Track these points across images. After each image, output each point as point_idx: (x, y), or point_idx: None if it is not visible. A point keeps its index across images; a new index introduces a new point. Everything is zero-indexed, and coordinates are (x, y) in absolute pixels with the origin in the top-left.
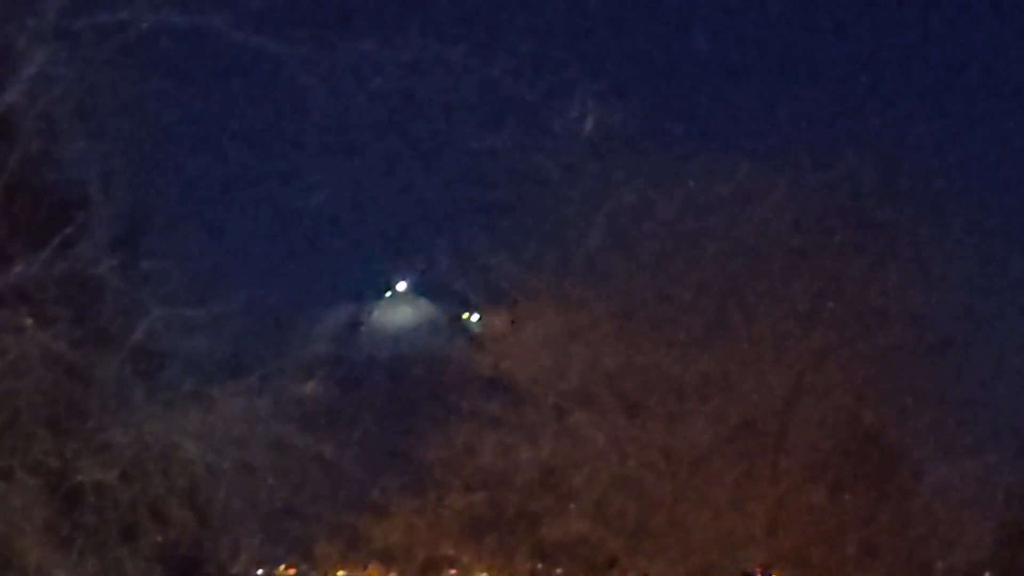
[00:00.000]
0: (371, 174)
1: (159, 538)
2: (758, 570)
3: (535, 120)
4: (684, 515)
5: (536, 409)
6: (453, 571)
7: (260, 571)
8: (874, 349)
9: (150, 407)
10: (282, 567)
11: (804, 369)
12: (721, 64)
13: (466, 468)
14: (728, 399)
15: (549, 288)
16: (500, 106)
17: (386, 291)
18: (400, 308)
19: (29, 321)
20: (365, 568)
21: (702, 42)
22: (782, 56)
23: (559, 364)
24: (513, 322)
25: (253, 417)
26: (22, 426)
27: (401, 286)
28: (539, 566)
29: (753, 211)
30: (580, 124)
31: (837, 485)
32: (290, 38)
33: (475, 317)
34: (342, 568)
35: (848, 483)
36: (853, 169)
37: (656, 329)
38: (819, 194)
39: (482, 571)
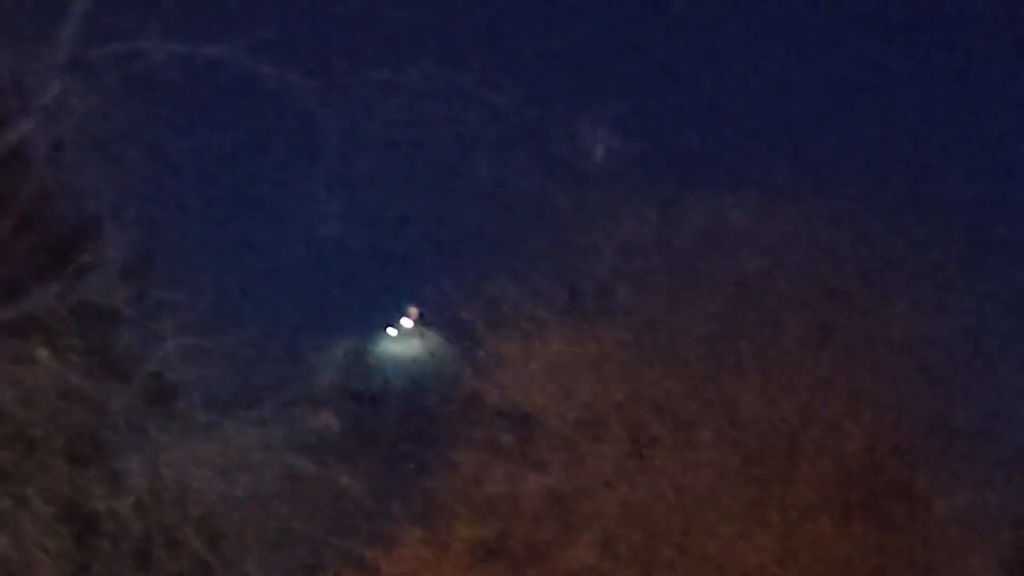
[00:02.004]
0: (381, 204)
1: (173, 566)
2: None
3: (545, 149)
4: (693, 545)
5: (545, 439)
6: None
7: None
8: (882, 378)
9: (164, 437)
10: None
11: (812, 399)
12: (732, 95)
13: (474, 498)
14: (737, 429)
15: (557, 318)
16: (510, 135)
17: (394, 321)
18: (408, 338)
19: (43, 351)
20: None
21: (713, 73)
22: (793, 88)
23: (568, 394)
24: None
25: (267, 447)
26: (37, 455)
27: (409, 316)
28: None
29: (762, 241)
30: (591, 153)
31: (846, 515)
32: (302, 68)
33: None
34: None
35: (857, 513)
36: (862, 199)
37: (665, 359)
38: (828, 224)
39: None
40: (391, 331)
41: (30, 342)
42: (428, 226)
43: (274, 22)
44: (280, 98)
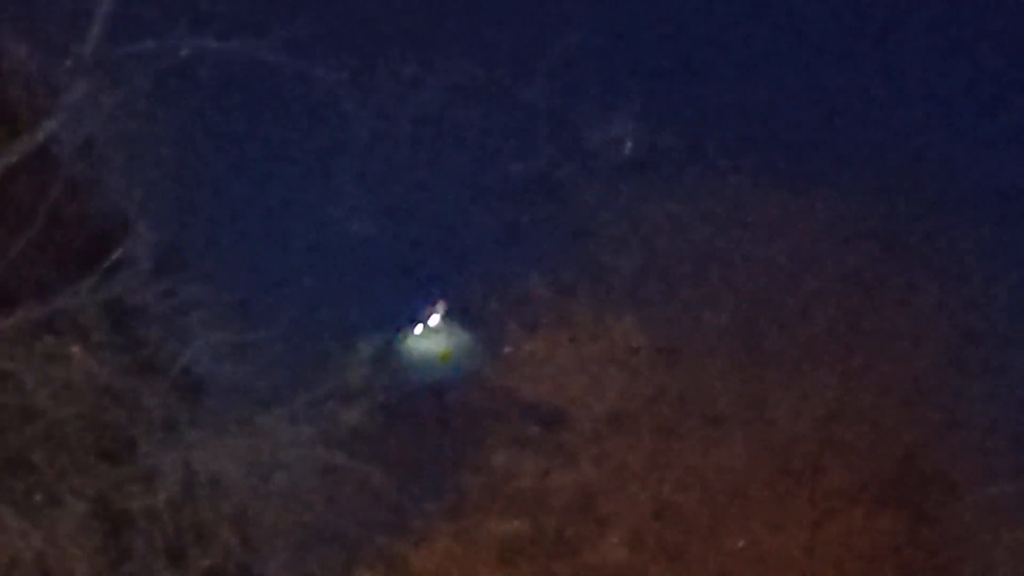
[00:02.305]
0: (410, 199)
1: (206, 563)
2: None
3: (574, 143)
4: (723, 539)
5: (574, 434)
6: None
7: None
8: (911, 370)
9: (196, 433)
10: None
11: (841, 391)
12: (761, 87)
13: (504, 493)
14: (764, 422)
15: (585, 312)
16: (540, 129)
17: (423, 316)
18: (436, 333)
19: (76, 349)
20: None
21: (742, 65)
22: (822, 81)
23: (596, 388)
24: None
25: (299, 442)
26: (70, 453)
27: (436, 311)
28: None
29: (788, 233)
30: (620, 146)
31: (875, 507)
32: (331, 63)
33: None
34: None
35: (886, 505)
36: (890, 190)
37: (692, 352)
38: (855, 215)
39: None
40: (420, 326)
41: (62, 340)
42: (457, 221)
43: (303, 18)
44: (309, 94)
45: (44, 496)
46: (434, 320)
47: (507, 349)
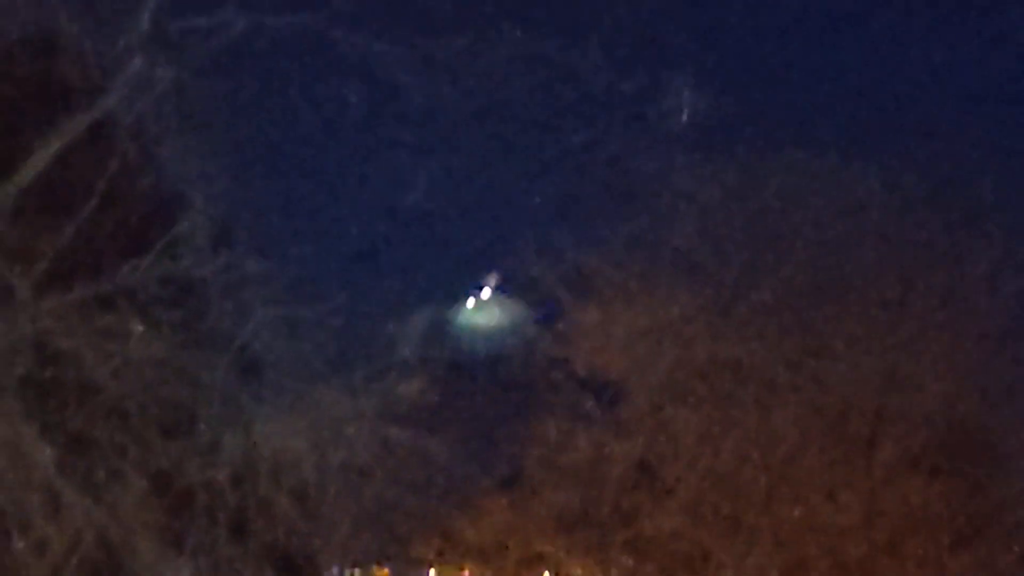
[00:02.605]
0: (465, 171)
1: (268, 537)
2: None
3: (630, 113)
4: (778, 508)
5: (629, 404)
6: (547, 572)
7: (357, 571)
8: (966, 336)
9: (257, 408)
10: (375, 567)
11: (896, 359)
12: (816, 58)
13: (560, 464)
14: (821, 391)
15: (639, 283)
16: (595, 100)
17: (478, 289)
18: (491, 306)
19: (135, 325)
20: (460, 567)
21: (796, 33)
22: (873, 49)
23: (651, 359)
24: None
25: (359, 416)
26: (132, 429)
27: (491, 284)
28: (631, 562)
29: (842, 201)
30: (676, 116)
31: (931, 475)
32: (385, 36)
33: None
34: (436, 567)
35: (942, 472)
36: (943, 156)
37: (747, 321)
38: (907, 182)
39: (576, 568)
40: (473, 299)
41: (122, 317)
42: (511, 193)
43: None
44: (363, 67)
45: (106, 472)
46: (488, 292)
47: (561, 321)
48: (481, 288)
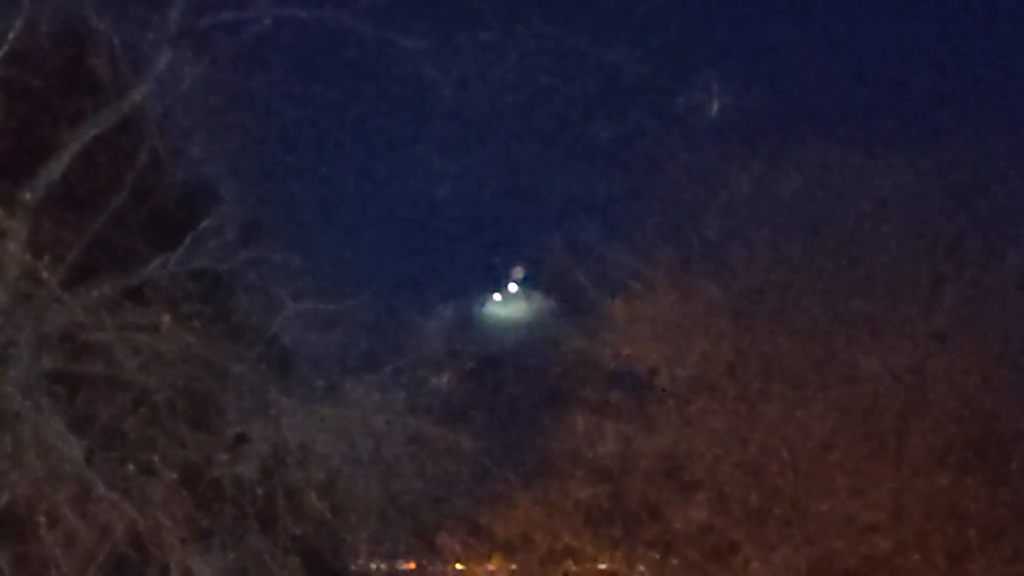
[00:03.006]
0: (493, 165)
1: (296, 530)
2: None
3: (658, 106)
4: (806, 502)
5: (656, 399)
6: (574, 566)
7: (383, 565)
8: (995, 331)
9: (286, 401)
10: (402, 560)
11: (925, 354)
12: (841, 49)
13: (587, 458)
14: (849, 385)
15: (666, 277)
16: (623, 93)
17: (505, 283)
18: (519, 299)
19: (165, 318)
20: (486, 560)
21: (823, 28)
22: (899, 43)
23: (678, 353)
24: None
25: (388, 409)
26: (161, 422)
27: (518, 277)
28: (658, 556)
29: (871, 195)
30: (705, 109)
31: (960, 470)
32: (413, 30)
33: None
34: (462, 561)
35: (971, 468)
36: (971, 149)
37: (775, 316)
38: (936, 175)
39: (603, 562)
40: (500, 293)
41: (151, 309)
42: (539, 187)
43: None
44: (392, 62)
45: (135, 466)
46: (516, 286)
47: (589, 315)
48: (508, 282)
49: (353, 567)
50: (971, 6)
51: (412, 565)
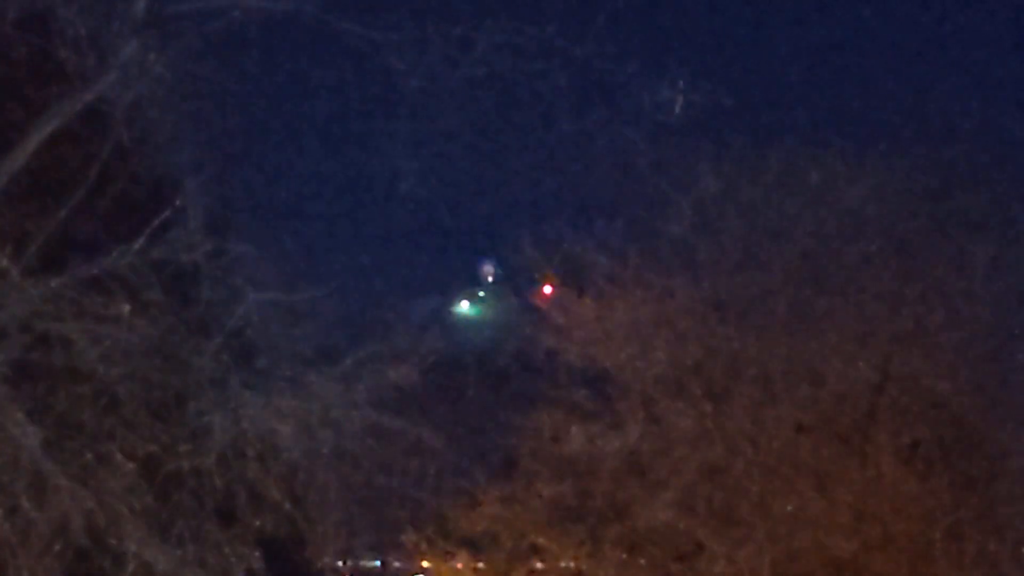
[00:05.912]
0: (460, 160)
1: (257, 523)
2: None
3: (624, 102)
4: (771, 502)
5: (623, 397)
6: (540, 564)
7: (348, 562)
8: (961, 333)
9: (247, 393)
10: (367, 557)
11: (890, 354)
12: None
13: (553, 457)
14: (814, 385)
15: (634, 275)
16: (590, 88)
17: (471, 279)
18: (486, 296)
19: (125, 308)
20: (452, 558)
21: (792, 28)
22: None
23: (645, 352)
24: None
25: (349, 402)
26: (120, 413)
27: (484, 274)
28: (624, 555)
29: (838, 195)
30: (670, 106)
31: (924, 471)
32: (381, 24)
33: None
34: (428, 558)
35: (936, 468)
36: (939, 151)
37: (742, 316)
38: (904, 176)
39: (569, 560)
40: (467, 288)
41: (112, 299)
42: (506, 183)
43: None
44: (358, 54)
45: (94, 456)
46: (482, 282)
47: (556, 313)
48: (476, 278)
49: (319, 564)
50: (941, 10)
51: (377, 561)
